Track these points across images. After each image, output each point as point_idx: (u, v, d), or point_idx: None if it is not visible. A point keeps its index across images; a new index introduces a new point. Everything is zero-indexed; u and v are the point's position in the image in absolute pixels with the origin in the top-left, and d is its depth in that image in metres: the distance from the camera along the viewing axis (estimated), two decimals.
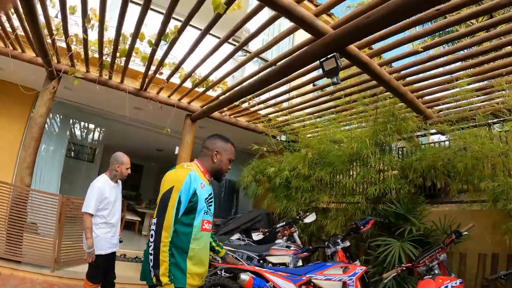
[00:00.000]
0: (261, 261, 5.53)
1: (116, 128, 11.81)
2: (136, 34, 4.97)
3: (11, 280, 5.59)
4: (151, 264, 2.30)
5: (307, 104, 7.13)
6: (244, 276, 3.65)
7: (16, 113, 8.47)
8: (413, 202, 5.63)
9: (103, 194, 4.47)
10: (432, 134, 6.70)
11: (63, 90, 7.67)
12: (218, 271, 5.20)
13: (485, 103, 5.72)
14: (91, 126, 12.06)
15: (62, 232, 6.27)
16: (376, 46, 4.70)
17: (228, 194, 10.55)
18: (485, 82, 5.38)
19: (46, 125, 7.22)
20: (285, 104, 7.68)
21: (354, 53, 4.31)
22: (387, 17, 3.16)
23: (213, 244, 3.24)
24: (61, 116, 9.41)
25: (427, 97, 5.97)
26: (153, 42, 5.08)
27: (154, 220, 2.37)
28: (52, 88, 6.72)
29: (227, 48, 5.58)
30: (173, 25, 4.73)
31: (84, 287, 4.48)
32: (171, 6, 4.14)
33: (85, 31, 5.18)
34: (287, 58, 4.84)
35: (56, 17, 5.22)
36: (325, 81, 6.07)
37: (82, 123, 11.70)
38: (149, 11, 4.41)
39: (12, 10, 5.01)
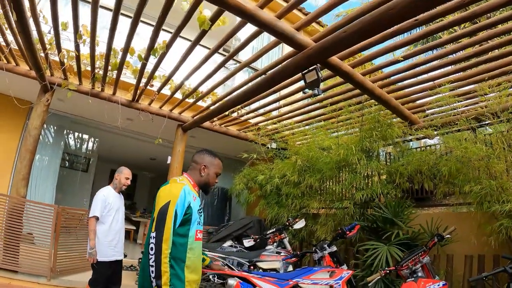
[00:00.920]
0: (252, 267, 5.65)
1: (109, 139, 11.94)
2: (127, 49, 5.12)
3: None
4: (153, 275, 2.41)
5: (295, 113, 7.25)
6: (231, 282, 3.75)
7: (11, 125, 8.56)
8: (400, 206, 5.74)
9: (107, 200, 4.81)
10: (418, 139, 6.81)
11: (57, 102, 7.80)
12: (211, 277, 5.32)
13: (468, 107, 5.87)
14: (85, 136, 12.14)
15: (58, 242, 6.40)
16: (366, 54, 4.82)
17: (221, 202, 10.63)
18: (468, 87, 5.49)
19: (40, 136, 7.32)
20: (274, 113, 7.79)
21: (336, 64, 4.45)
22: (363, 31, 3.31)
23: None
24: (56, 127, 9.53)
25: (412, 104, 6.10)
26: (143, 56, 5.20)
27: (153, 234, 2.48)
28: (46, 101, 6.83)
29: (217, 58, 5.69)
30: (163, 36, 4.86)
31: None
32: (158, 23, 4.29)
33: (77, 47, 5.33)
34: (271, 71, 5.00)
35: (49, 32, 5.35)
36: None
37: (76, 134, 11.79)
38: (140, 24, 4.55)
39: (6, 25, 5.14)
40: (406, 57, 4.77)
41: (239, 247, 6.69)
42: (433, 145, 6.61)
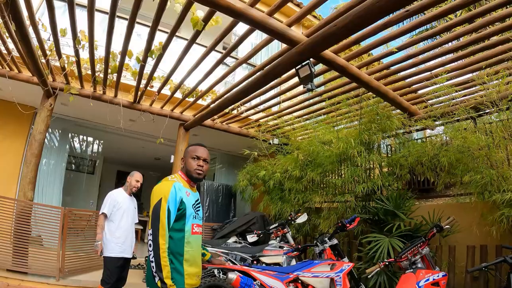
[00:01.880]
0: (255, 262, 5.71)
1: (114, 140, 12.10)
2: (124, 52, 5.20)
3: None
4: (154, 270, 2.51)
5: (295, 108, 7.27)
6: (232, 275, 3.80)
7: (16, 131, 8.68)
8: (402, 198, 5.75)
9: (116, 199, 5.11)
10: (418, 130, 6.79)
11: (60, 106, 7.92)
12: (216, 272, 5.40)
13: (467, 97, 5.83)
14: (90, 139, 12.33)
15: (66, 243, 6.53)
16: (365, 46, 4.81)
17: (226, 199, 10.68)
18: (466, 76, 5.47)
19: (46, 140, 7.44)
20: (275, 108, 7.83)
21: (330, 58, 4.49)
22: (352, 25, 3.35)
23: None
24: (60, 131, 9.65)
25: (410, 95, 6.09)
26: (141, 58, 5.28)
27: (150, 231, 2.59)
28: (49, 106, 6.95)
29: (217, 55, 5.72)
30: (161, 36, 4.93)
31: None
32: (153, 26, 4.36)
33: (76, 52, 5.41)
34: (265, 68, 5.04)
35: (49, 39, 5.44)
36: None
37: (81, 137, 11.99)
38: (140, 25, 4.62)
39: (7, 34, 5.23)
40: (400, 48, 4.79)
41: (243, 242, 6.75)
42: (432, 135, 6.59)
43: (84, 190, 12.16)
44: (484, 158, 4.84)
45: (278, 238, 6.31)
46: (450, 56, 5.06)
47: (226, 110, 7.40)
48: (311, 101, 6.95)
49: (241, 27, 4.53)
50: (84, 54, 5.70)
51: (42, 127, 6.88)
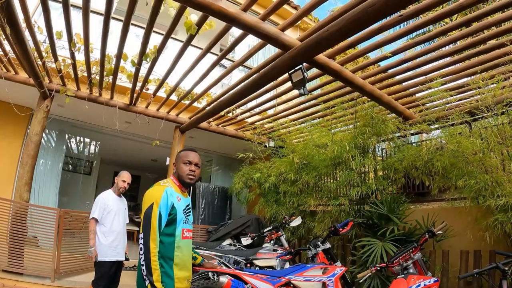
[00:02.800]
0: (248, 265, 5.71)
1: (110, 141, 12.16)
2: (120, 55, 5.21)
3: None
4: (144, 273, 2.55)
5: (290, 111, 7.28)
6: (223, 279, 3.81)
7: (12, 131, 8.69)
8: (396, 202, 5.75)
9: (106, 203, 5.03)
10: (413, 134, 6.79)
11: (57, 107, 7.92)
12: (210, 275, 5.40)
13: (462, 101, 5.83)
14: (87, 140, 12.37)
15: (61, 244, 6.55)
16: (359, 50, 4.79)
17: (222, 201, 10.67)
18: (462, 80, 5.47)
19: (43, 141, 7.45)
20: (270, 111, 7.83)
21: (324, 62, 4.49)
22: (344, 29, 3.37)
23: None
24: (57, 132, 9.66)
25: (406, 99, 6.09)
26: (136, 61, 5.29)
27: (141, 235, 2.63)
28: (46, 107, 6.96)
29: (212, 58, 5.72)
30: (156, 38, 4.94)
31: None
32: (147, 30, 4.38)
33: (72, 54, 5.44)
34: (260, 71, 5.07)
35: (45, 42, 5.45)
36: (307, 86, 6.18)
37: (78, 138, 12.02)
38: (136, 27, 4.62)
39: (3, 36, 5.25)
40: (395, 53, 4.79)
41: (238, 245, 6.76)
42: (427, 139, 6.58)
43: (80, 191, 12.17)
44: (479, 163, 4.83)
45: (272, 241, 6.33)
46: (445, 60, 5.04)
47: (222, 113, 7.41)
48: (306, 104, 6.94)
49: (237, 29, 4.53)
50: (80, 56, 5.72)
51: (38, 129, 6.89)
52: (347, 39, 4.07)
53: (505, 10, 3.93)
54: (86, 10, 4.24)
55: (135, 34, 4.79)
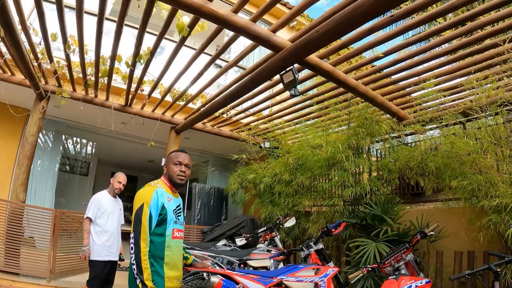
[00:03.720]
0: (242, 265, 5.72)
1: (107, 142, 12.19)
2: (114, 56, 5.23)
3: None
4: (135, 271, 2.59)
5: (285, 112, 7.30)
6: (214, 279, 3.83)
7: (9, 132, 8.72)
8: (390, 202, 5.78)
9: (100, 203, 5.06)
10: (407, 135, 6.79)
11: (53, 108, 7.97)
12: (205, 276, 5.41)
13: (456, 101, 5.85)
14: (83, 141, 12.44)
15: (57, 244, 6.57)
16: (352, 51, 4.81)
17: (218, 201, 10.71)
18: (456, 80, 5.46)
19: (39, 142, 7.48)
20: (265, 112, 7.86)
21: (316, 63, 4.50)
22: (334, 30, 3.39)
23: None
24: (53, 133, 9.66)
25: (400, 99, 6.10)
26: (130, 62, 5.31)
27: (132, 235, 2.65)
28: (42, 108, 6.99)
29: (207, 58, 5.74)
30: (151, 39, 4.95)
31: None
32: (140, 32, 4.41)
33: (67, 56, 5.48)
34: (250, 74, 5.07)
35: (40, 44, 5.48)
36: (300, 87, 6.16)
37: (74, 139, 12.08)
38: (130, 28, 4.64)
39: None
40: (387, 53, 4.79)
41: (233, 246, 6.77)
42: (422, 140, 6.56)
43: (77, 192, 12.24)
44: (472, 163, 4.82)
45: (266, 242, 6.34)
46: (439, 60, 5.05)
47: (216, 114, 7.44)
48: (301, 105, 6.96)
49: None
50: (76, 58, 5.74)
51: (34, 130, 6.92)
52: (339, 40, 4.10)
53: (499, 9, 3.92)
54: (80, 11, 4.26)
55: (133, 35, 4.80)
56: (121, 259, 5.34)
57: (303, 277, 4.32)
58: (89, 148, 12.95)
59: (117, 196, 5.38)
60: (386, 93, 5.82)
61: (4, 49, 5.79)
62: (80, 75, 6.33)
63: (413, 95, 5.98)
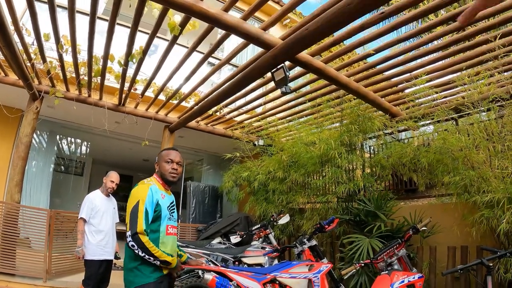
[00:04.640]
0: (237, 263, 5.75)
1: (101, 142, 12.18)
2: (106, 55, 5.24)
3: None
4: (152, 259, 2.74)
5: (278, 109, 7.32)
6: (208, 276, 3.83)
7: (3, 133, 8.69)
8: (383, 198, 5.80)
9: (93, 202, 5.10)
10: (400, 131, 6.81)
11: (47, 108, 7.96)
12: (201, 273, 5.43)
13: (448, 98, 5.85)
14: (78, 140, 12.44)
15: (52, 245, 6.59)
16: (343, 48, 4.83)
17: (212, 199, 10.80)
18: (448, 77, 5.49)
19: (34, 142, 7.49)
20: (259, 110, 7.88)
21: (307, 61, 4.51)
22: (324, 28, 3.39)
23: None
24: (48, 133, 9.67)
25: (392, 96, 6.13)
26: (123, 62, 5.32)
27: (129, 233, 2.72)
28: (36, 109, 7.00)
29: (198, 56, 5.76)
30: (143, 37, 4.97)
31: None
32: (132, 32, 4.45)
33: (60, 56, 5.49)
34: (242, 72, 5.08)
35: (33, 44, 5.48)
36: (293, 85, 6.15)
37: (69, 139, 12.09)
38: (119, 26, 4.66)
39: None
40: (378, 50, 4.80)
41: (227, 243, 6.80)
42: (415, 136, 6.60)
43: (72, 192, 12.26)
44: (464, 159, 4.85)
45: (260, 239, 6.36)
46: (431, 56, 5.07)
47: (210, 112, 7.45)
48: (293, 102, 6.98)
49: None
50: (69, 58, 5.74)
51: (28, 130, 6.93)
52: (331, 37, 4.12)
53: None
54: (72, 11, 4.27)
55: (126, 34, 4.81)
56: (116, 257, 5.36)
57: (296, 274, 4.33)
58: (83, 148, 12.96)
59: (110, 195, 5.40)
60: (379, 90, 5.85)
61: None
62: (73, 75, 6.32)
63: (406, 91, 6.00)
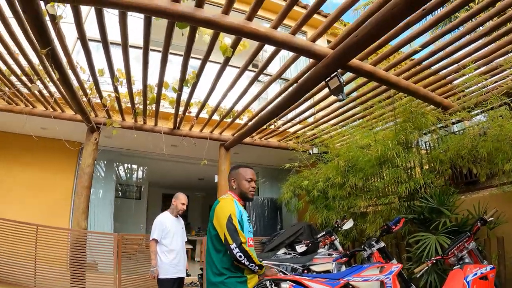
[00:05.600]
0: (305, 271, 5.81)
1: (157, 165, 12.58)
2: (161, 84, 5.48)
3: None
4: (251, 266, 2.93)
5: (330, 116, 7.33)
6: (284, 285, 3.95)
7: (64, 165, 9.26)
8: (445, 194, 5.71)
9: (163, 224, 5.29)
10: (454, 123, 6.69)
11: (104, 139, 8.29)
12: (268, 284, 5.53)
13: (499, 82, 5.74)
14: (134, 166, 12.93)
15: (121, 267, 6.84)
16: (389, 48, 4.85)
17: (272, 212, 10.89)
18: (495, 61, 5.36)
19: (94, 171, 7.83)
20: (310, 119, 7.91)
21: (357, 66, 4.55)
22: (372, 33, 3.43)
23: None
24: (106, 162, 10.13)
25: (442, 89, 6.04)
26: (177, 87, 5.54)
27: (233, 245, 2.85)
28: (94, 140, 7.37)
29: (249, 74, 5.89)
30: (193, 62, 5.17)
31: None
32: (185, 59, 4.63)
33: (115, 89, 5.76)
34: (297, 83, 5.18)
35: (88, 80, 5.79)
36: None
37: (126, 165, 12.60)
38: (174, 55, 4.90)
39: (47, 79, 5.61)
40: (424, 46, 4.79)
41: (293, 253, 6.85)
42: (469, 127, 6.46)
43: (133, 215, 12.69)
44: None
45: (326, 246, 6.40)
46: (476, 44, 4.98)
47: (264, 126, 7.53)
48: (345, 108, 6.98)
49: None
50: (123, 89, 6.00)
51: (89, 161, 7.28)
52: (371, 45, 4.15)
53: None
54: (125, 46, 4.46)
55: (170, 61, 5.03)
56: (187, 275, 5.54)
57: (368, 276, 4.38)
58: (140, 172, 13.43)
59: (178, 216, 5.58)
60: (428, 85, 5.79)
61: (53, 89, 6.12)
62: (128, 105, 6.60)
63: (455, 82, 5.91)
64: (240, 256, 2.83)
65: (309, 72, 4.61)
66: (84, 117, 6.63)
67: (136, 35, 4.47)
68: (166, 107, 6.83)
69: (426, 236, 5.39)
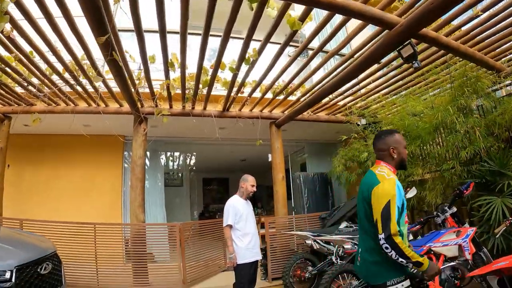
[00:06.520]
0: None
1: (199, 150, 12.86)
2: (218, 64, 5.42)
3: None
4: (405, 262, 2.63)
5: (383, 86, 7.26)
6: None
7: (110, 160, 9.36)
8: (506, 156, 5.67)
9: (235, 208, 5.18)
10: (508, 85, 6.62)
11: (149, 128, 8.33)
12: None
13: None
14: (176, 154, 13.18)
15: (185, 255, 6.92)
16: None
17: (322, 187, 10.88)
18: None
19: None
20: (362, 90, 7.87)
21: (422, 33, 4.51)
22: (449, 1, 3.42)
23: None
24: (150, 152, 10.15)
25: (494, 52, 5.99)
26: (234, 67, 5.51)
27: (382, 235, 2.62)
28: (143, 131, 7.39)
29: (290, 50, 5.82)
30: (236, 43, 5.18)
31: None
32: (248, 36, 4.62)
33: (166, 75, 5.72)
34: (361, 56, 5.12)
35: (139, 69, 5.78)
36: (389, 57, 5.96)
37: (170, 153, 12.85)
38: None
39: (92, 73, 5.54)
40: (485, 10, 4.76)
41: (354, 226, 6.83)
42: None
43: (178, 202, 12.87)
44: None
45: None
46: None
47: (327, 98, 7.48)
48: (398, 76, 6.88)
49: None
50: (173, 75, 5.96)
51: (140, 152, 7.30)
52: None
53: None
54: (184, 35, 4.53)
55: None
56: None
57: (448, 241, 4.41)
58: (181, 159, 13.58)
59: (247, 198, 5.51)
60: (481, 48, 5.75)
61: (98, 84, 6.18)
62: (178, 91, 6.59)
63: (506, 45, 5.85)
64: (386, 248, 2.62)
65: (379, 42, 4.58)
66: (133, 108, 6.66)
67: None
68: (218, 89, 6.83)
69: (490, 199, 5.39)
